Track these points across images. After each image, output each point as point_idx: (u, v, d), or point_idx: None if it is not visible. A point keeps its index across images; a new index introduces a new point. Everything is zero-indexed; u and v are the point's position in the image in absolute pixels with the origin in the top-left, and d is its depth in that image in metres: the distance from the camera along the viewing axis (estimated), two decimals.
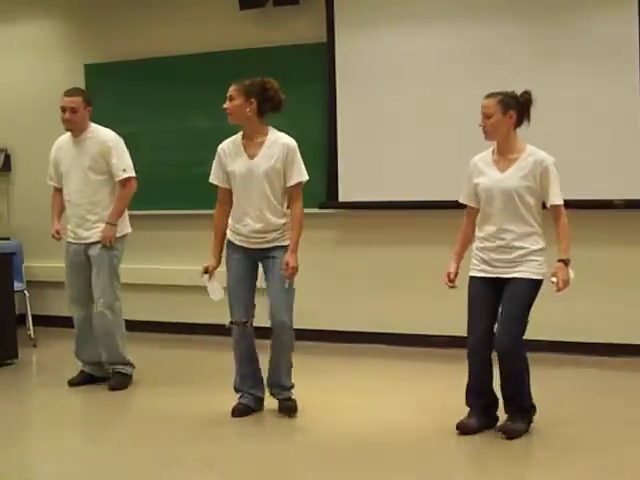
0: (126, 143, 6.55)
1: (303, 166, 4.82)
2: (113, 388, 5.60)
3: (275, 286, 4.79)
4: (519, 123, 4.42)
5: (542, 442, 4.39)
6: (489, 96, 4.42)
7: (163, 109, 7.31)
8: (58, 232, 5.71)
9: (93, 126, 5.71)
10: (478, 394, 4.50)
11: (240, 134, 4.89)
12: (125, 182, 5.63)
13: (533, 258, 4.34)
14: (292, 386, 4.97)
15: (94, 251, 5.59)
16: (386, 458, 4.22)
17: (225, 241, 4.96)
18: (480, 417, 4.49)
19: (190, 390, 5.57)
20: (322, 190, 6.81)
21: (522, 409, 4.46)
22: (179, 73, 7.22)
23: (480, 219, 4.48)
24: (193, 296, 7.12)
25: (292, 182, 4.80)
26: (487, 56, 6.27)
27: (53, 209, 5.80)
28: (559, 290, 4.28)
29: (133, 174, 5.65)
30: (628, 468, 4.00)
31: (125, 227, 5.77)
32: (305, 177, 4.83)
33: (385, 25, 6.54)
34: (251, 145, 4.83)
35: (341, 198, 6.78)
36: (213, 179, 4.98)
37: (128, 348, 5.73)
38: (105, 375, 5.72)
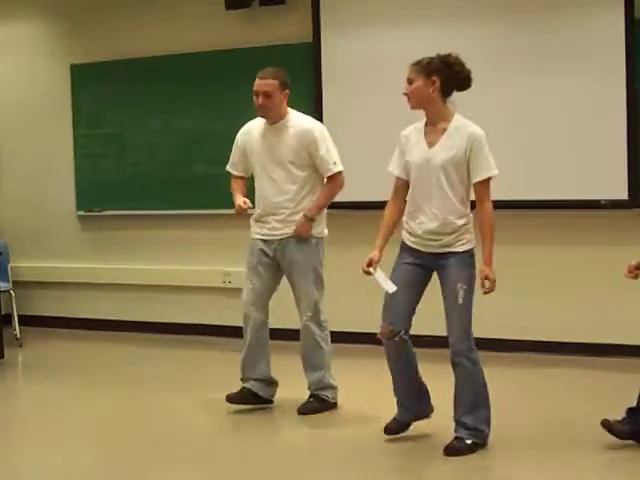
0: (111, 143, 6.49)
1: (492, 159, 4.14)
2: (304, 413, 4.98)
3: (448, 304, 4.20)
4: None
5: None
6: None
7: (149, 109, 7.28)
8: (245, 202, 4.90)
9: (292, 113, 4.99)
10: None
11: (424, 120, 4.29)
12: (333, 177, 4.99)
13: None
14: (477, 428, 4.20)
15: (295, 251, 4.95)
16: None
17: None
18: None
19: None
20: None
21: None
22: (165, 73, 7.22)
23: None
24: (185, 296, 7.17)
25: (478, 178, 4.14)
26: (476, 55, 6.22)
27: (235, 192, 5.03)
28: None
29: (342, 168, 4.99)
30: None
31: (324, 228, 5.07)
32: (494, 172, 4.15)
33: (371, 25, 6.55)
34: (432, 132, 4.22)
35: None
36: (393, 169, 4.38)
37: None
38: (272, 396, 5.09)
